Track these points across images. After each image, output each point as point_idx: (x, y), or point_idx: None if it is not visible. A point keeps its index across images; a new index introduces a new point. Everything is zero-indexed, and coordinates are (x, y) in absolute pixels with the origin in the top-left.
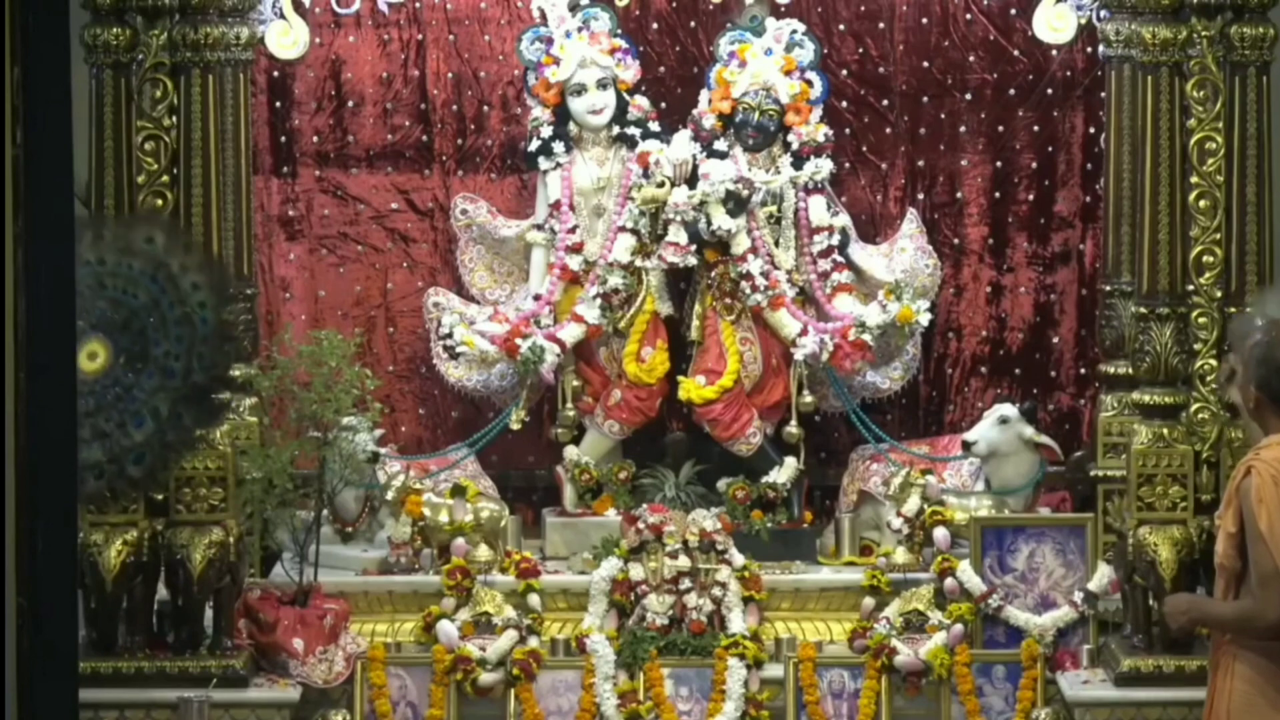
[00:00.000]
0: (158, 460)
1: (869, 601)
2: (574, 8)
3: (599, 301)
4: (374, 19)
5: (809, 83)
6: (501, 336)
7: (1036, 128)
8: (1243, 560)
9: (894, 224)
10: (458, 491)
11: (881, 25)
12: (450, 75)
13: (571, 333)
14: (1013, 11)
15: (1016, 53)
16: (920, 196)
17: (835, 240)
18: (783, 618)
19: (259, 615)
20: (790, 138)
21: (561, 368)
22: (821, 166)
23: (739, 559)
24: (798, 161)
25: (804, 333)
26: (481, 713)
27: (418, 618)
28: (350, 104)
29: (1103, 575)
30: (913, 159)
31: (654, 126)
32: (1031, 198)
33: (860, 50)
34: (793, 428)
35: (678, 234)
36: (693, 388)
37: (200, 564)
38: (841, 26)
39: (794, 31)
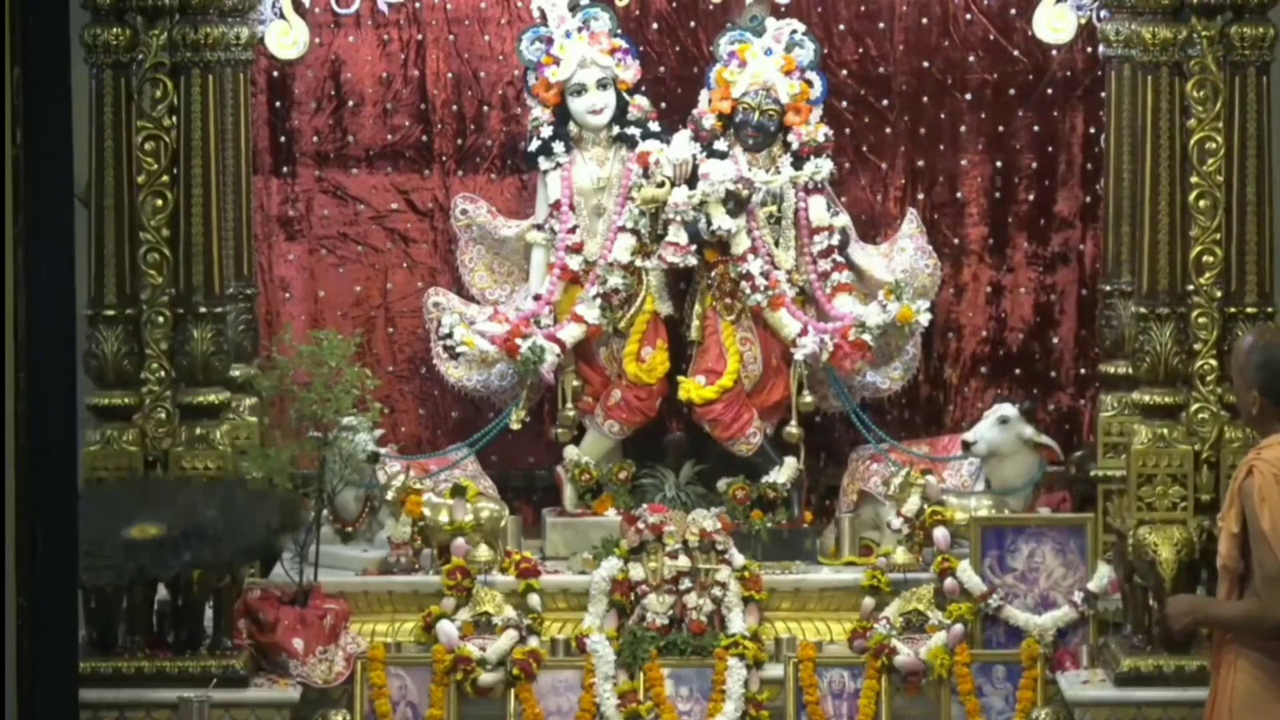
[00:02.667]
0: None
1: (869, 601)
2: (574, 8)
3: (599, 301)
4: (374, 19)
5: (809, 83)
6: (501, 336)
7: (1036, 128)
8: (1246, 561)
9: (894, 224)
10: (458, 491)
11: (881, 25)
12: (450, 75)
13: (571, 333)
14: (1013, 11)
15: (1016, 53)
16: (920, 196)
17: (835, 240)
18: (783, 618)
19: (259, 615)
20: (790, 138)
21: (561, 368)
22: (821, 166)
23: (739, 559)
24: (798, 161)
25: (804, 333)
26: (481, 713)
27: (418, 618)
28: (350, 104)
29: (1103, 575)
30: (913, 159)
31: (654, 126)
32: (1031, 198)
33: (860, 50)
34: (793, 428)
35: (678, 234)
36: (693, 388)
37: None
38: (841, 26)
39: (794, 31)
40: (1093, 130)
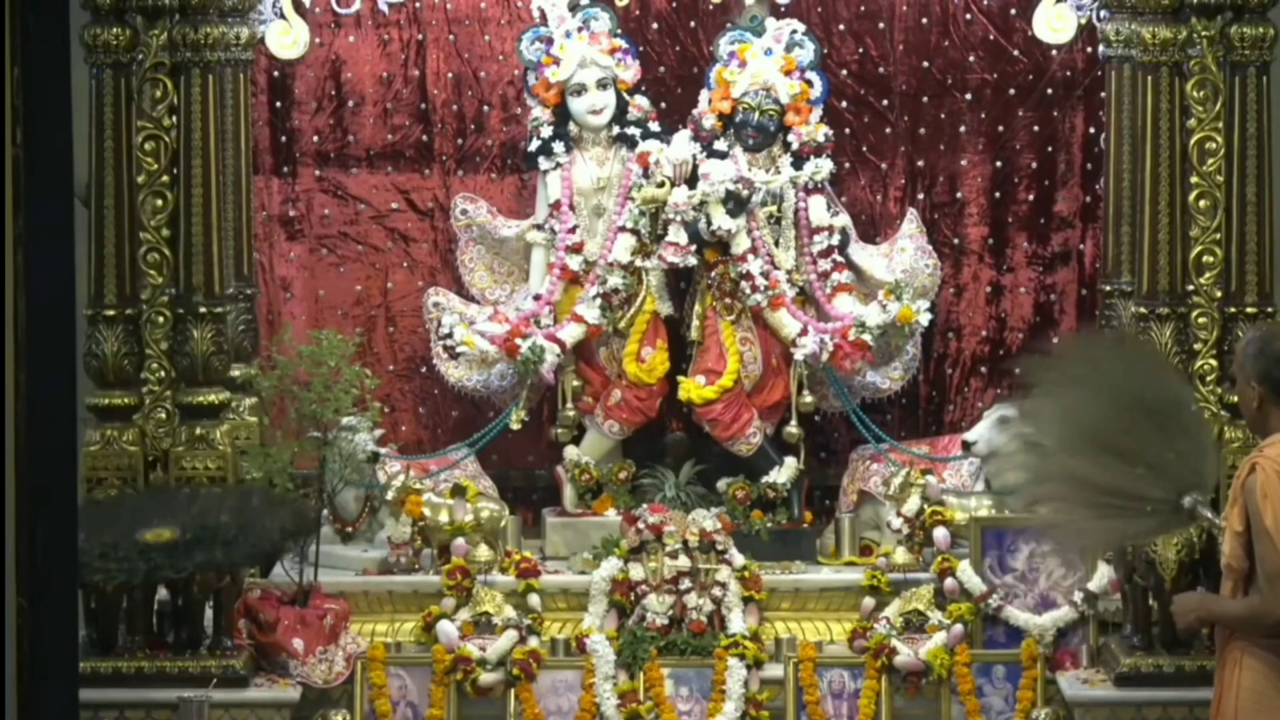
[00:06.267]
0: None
1: (869, 601)
2: (574, 8)
3: (599, 301)
4: (374, 19)
5: (809, 83)
6: (501, 336)
7: (1036, 128)
8: (1250, 559)
9: (894, 224)
10: (458, 491)
11: (881, 25)
12: (450, 75)
13: (571, 333)
14: (1013, 11)
15: (1016, 53)
16: (920, 196)
17: (835, 240)
18: (783, 618)
19: (259, 615)
20: (790, 138)
21: (561, 368)
22: (821, 166)
23: (739, 559)
24: (798, 161)
25: (804, 333)
26: (481, 713)
27: (418, 618)
28: (350, 104)
29: (1103, 575)
30: (913, 159)
31: (654, 126)
32: (1031, 198)
33: (860, 50)
34: (793, 428)
35: (678, 234)
36: (693, 388)
37: None
38: (841, 26)
39: (794, 31)
40: (1093, 130)
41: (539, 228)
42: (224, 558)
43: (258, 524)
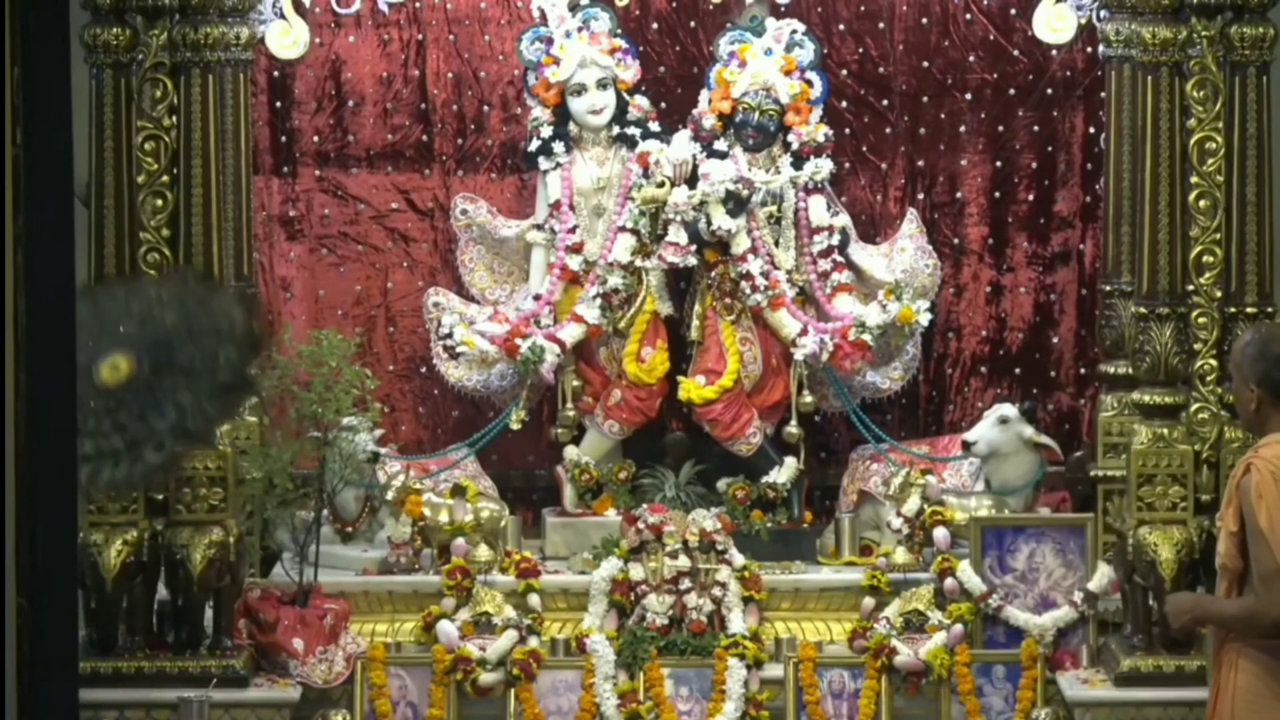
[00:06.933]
0: (177, 448)
1: (869, 601)
2: (574, 8)
3: (599, 301)
4: (374, 19)
5: (809, 83)
6: (501, 336)
7: (1036, 128)
8: (1245, 559)
9: (894, 224)
10: (458, 491)
11: (881, 25)
12: (450, 75)
13: (571, 333)
14: (1013, 11)
15: (1016, 53)
16: (920, 196)
17: (835, 240)
18: (783, 618)
19: (259, 615)
20: (790, 138)
21: (561, 368)
22: (821, 166)
23: (739, 559)
24: (798, 161)
25: (804, 333)
26: (481, 713)
27: (418, 618)
28: (350, 104)
29: (1103, 575)
30: (913, 159)
31: (654, 126)
32: (1031, 198)
33: (860, 50)
34: (793, 428)
35: (678, 234)
36: (693, 388)
37: (200, 564)
38: (841, 26)
39: (794, 31)
40: (1093, 130)
41: (539, 228)
42: (191, 401)
43: (206, 317)
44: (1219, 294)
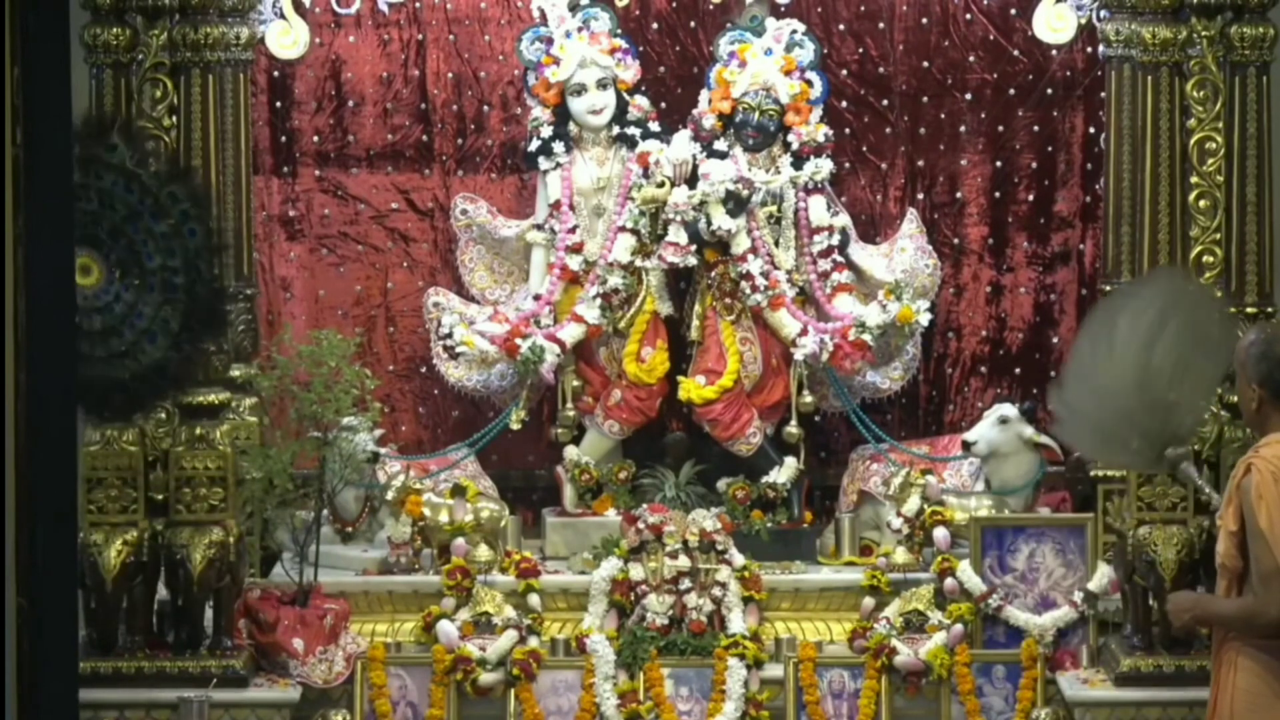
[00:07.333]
0: (179, 373)
1: (869, 601)
2: (574, 8)
3: (599, 301)
4: (374, 19)
5: (809, 83)
6: (501, 336)
7: (1036, 128)
8: (1244, 559)
9: (894, 224)
10: (458, 491)
11: (881, 25)
12: (450, 75)
13: (571, 333)
14: (1013, 11)
15: (1016, 53)
16: (920, 196)
17: (835, 240)
18: (783, 618)
19: (259, 615)
20: (790, 138)
21: (561, 368)
22: (821, 166)
23: (739, 559)
24: (798, 161)
25: (804, 333)
26: (481, 713)
27: (418, 618)
28: (350, 104)
29: (1103, 575)
30: (913, 159)
31: (654, 126)
32: (1031, 198)
33: (860, 50)
34: (793, 428)
35: (678, 234)
36: (693, 388)
37: (200, 564)
38: (841, 26)
39: (794, 31)
40: (1093, 130)
41: (539, 228)
42: (162, 293)
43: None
44: (1219, 294)
